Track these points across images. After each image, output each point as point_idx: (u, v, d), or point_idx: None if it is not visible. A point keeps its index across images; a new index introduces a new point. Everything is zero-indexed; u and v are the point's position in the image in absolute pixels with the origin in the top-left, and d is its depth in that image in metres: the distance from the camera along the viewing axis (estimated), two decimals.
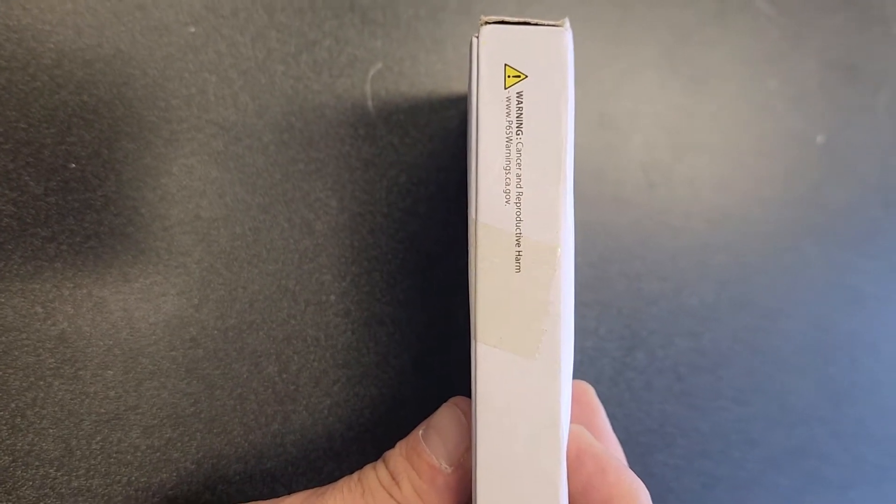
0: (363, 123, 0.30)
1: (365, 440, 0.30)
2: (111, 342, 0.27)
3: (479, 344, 0.19)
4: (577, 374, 0.32)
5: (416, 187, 0.30)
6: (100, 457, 0.27)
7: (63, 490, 0.26)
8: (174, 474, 0.28)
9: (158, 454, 0.27)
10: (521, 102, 0.19)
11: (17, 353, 0.26)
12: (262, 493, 0.29)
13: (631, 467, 0.32)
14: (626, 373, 0.33)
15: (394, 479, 0.22)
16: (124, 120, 0.27)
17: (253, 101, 0.29)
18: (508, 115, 0.19)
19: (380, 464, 0.23)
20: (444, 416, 0.24)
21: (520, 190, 0.19)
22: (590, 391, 0.25)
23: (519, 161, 0.19)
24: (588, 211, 0.32)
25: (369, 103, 0.30)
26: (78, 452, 0.26)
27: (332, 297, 0.29)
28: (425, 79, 0.30)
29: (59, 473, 0.26)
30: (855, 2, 0.37)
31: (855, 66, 0.37)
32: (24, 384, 0.26)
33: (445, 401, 0.32)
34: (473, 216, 0.19)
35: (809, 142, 0.36)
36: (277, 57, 0.29)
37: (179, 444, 0.28)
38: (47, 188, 0.26)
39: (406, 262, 0.30)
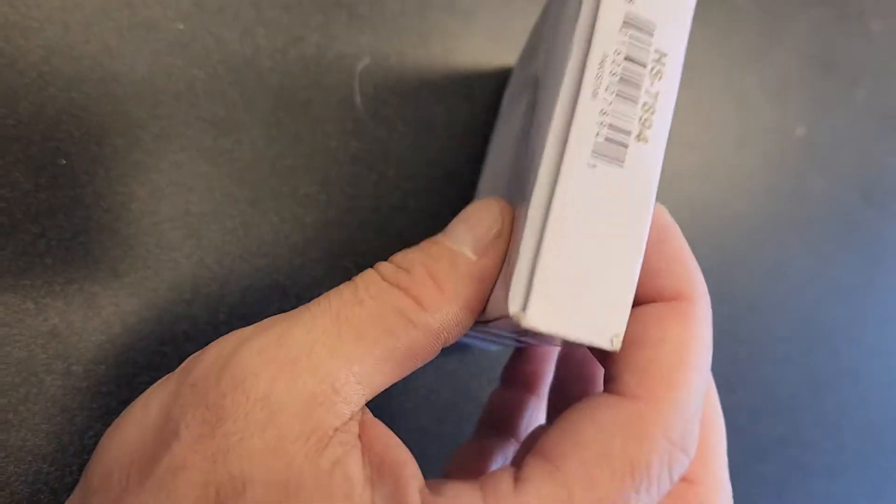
0: (351, 118, 0.30)
1: None
2: (103, 337, 0.27)
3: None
4: None
5: (405, 182, 0.31)
6: (93, 452, 0.27)
7: (56, 485, 0.26)
8: None
9: None
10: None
11: (8, 349, 0.26)
12: None
13: None
14: None
15: (401, 267, 0.19)
16: (113, 116, 0.27)
17: (241, 97, 0.29)
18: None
19: (384, 262, 0.20)
20: (474, 207, 0.20)
21: None
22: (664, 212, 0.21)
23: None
24: None
25: (357, 98, 0.30)
26: (71, 448, 0.26)
27: (323, 291, 0.29)
28: (413, 74, 0.31)
29: (52, 469, 0.26)
30: None
31: (833, 61, 0.38)
32: (16, 380, 0.26)
33: (436, 392, 0.32)
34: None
35: (789, 134, 0.37)
36: (265, 52, 0.29)
37: None
38: (37, 184, 0.26)
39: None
